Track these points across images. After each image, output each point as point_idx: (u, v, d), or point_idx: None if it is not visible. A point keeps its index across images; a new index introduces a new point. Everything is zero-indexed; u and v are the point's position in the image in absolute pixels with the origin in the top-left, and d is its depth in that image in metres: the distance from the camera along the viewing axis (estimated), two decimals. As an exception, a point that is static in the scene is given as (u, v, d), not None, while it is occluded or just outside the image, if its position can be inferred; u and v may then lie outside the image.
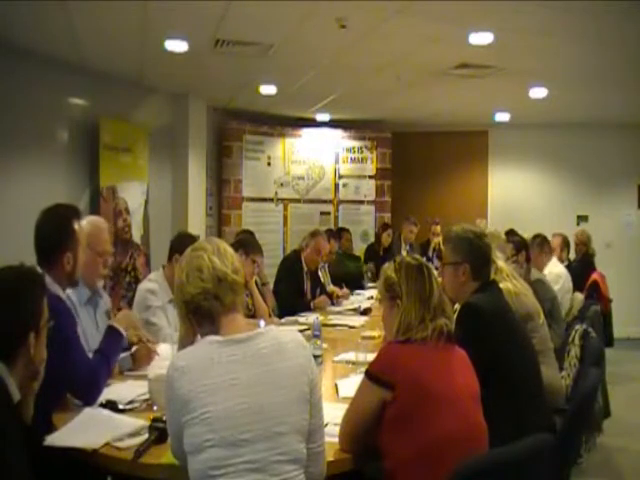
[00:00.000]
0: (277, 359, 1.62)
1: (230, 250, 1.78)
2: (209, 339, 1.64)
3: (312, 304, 5.15)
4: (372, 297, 5.70)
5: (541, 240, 5.31)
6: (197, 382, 1.54)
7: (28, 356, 1.71)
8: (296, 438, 1.58)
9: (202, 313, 1.69)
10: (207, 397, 1.53)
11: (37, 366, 1.77)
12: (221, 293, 1.67)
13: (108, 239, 2.96)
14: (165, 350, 2.92)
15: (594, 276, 6.14)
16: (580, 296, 5.45)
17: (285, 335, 1.70)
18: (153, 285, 3.46)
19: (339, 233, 7.31)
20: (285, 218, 8.29)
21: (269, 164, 8.18)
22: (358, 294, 6.15)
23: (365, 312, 4.97)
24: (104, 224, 3.01)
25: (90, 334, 2.78)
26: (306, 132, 8.41)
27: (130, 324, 2.77)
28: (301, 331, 3.86)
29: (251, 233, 5.62)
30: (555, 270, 5.38)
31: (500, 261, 3.23)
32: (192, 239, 3.20)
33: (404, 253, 7.09)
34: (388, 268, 2.18)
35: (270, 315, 4.47)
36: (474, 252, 2.56)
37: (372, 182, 8.66)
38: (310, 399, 1.64)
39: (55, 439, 1.96)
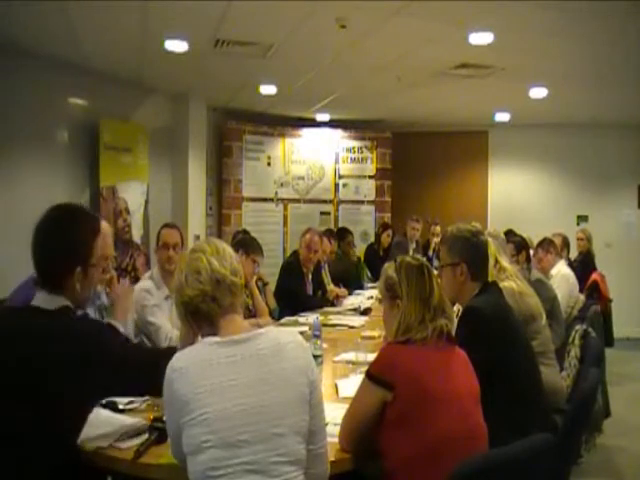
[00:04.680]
0: (276, 360, 1.61)
1: (229, 251, 1.77)
2: (208, 340, 1.64)
3: (328, 293, 5.43)
4: (372, 297, 5.70)
5: (548, 242, 5.46)
6: (195, 383, 1.54)
7: (74, 291, 1.83)
8: (295, 439, 1.57)
9: (201, 315, 1.69)
10: (205, 398, 1.52)
11: (81, 302, 1.90)
12: (219, 295, 1.67)
13: (110, 243, 2.94)
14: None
15: (594, 276, 6.16)
16: (580, 296, 5.46)
17: (285, 336, 1.69)
18: (148, 284, 3.45)
19: (340, 233, 7.30)
20: (285, 218, 8.29)
21: (269, 164, 8.18)
22: (358, 294, 6.15)
23: (365, 312, 4.98)
24: (107, 228, 2.99)
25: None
26: (306, 132, 8.41)
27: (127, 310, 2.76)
28: (301, 332, 3.87)
29: (246, 232, 5.63)
30: (563, 271, 5.40)
31: (504, 261, 3.23)
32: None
33: (411, 251, 7.10)
34: (389, 268, 2.18)
35: (270, 315, 4.47)
36: (470, 251, 2.54)
37: (372, 182, 8.66)
38: (310, 400, 1.63)
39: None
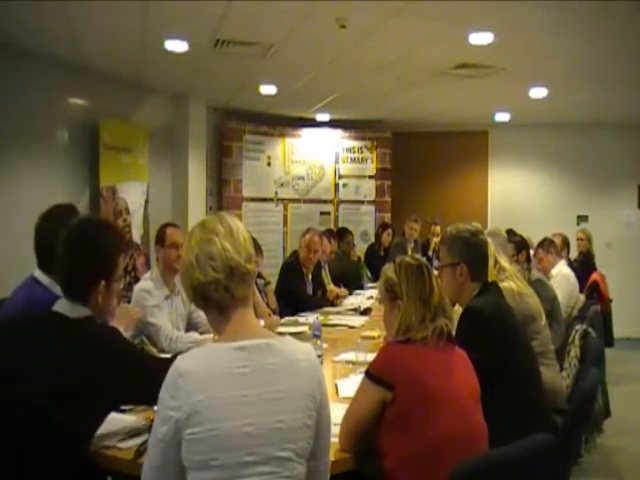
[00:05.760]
0: (287, 379, 1.51)
1: (242, 231, 1.63)
2: (218, 346, 1.54)
3: (328, 293, 5.46)
4: (372, 297, 5.71)
5: (548, 242, 5.48)
6: (206, 393, 1.43)
7: (97, 303, 1.89)
8: (298, 461, 1.51)
9: (211, 302, 1.58)
10: (218, 412, 1.43)
11: (102, 315, 1.97)
12: (233, 285, 1.56)
13: None
14: None
15: (594, 276, 6.16)
16: (580, 296, 5.46)
17: (297, 351, 1.57)
18: (148, 284, 3.45)
19: (340, 233, 7.31)
20: (285, 218, 8.29)
21: (269, 164, 8.18)
22: (358, 294, 6.15)
23: (365, 312, 4.98)
24: None
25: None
26: (306, 132, 8.41)
27: (131, 321, 2.78)
28: (299, 333, 3.88)
29: None
30: (563, 271, 5.41)
31: (504, 261, 3.22)
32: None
33: (410, 252, 7.10)
34: (388, 269, 2.18)
35: (270, 315, 4.46)
36: (470, 251, 2.54)
37: (372, 182, 8.66)
38: (319, 421, 1.56)
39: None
